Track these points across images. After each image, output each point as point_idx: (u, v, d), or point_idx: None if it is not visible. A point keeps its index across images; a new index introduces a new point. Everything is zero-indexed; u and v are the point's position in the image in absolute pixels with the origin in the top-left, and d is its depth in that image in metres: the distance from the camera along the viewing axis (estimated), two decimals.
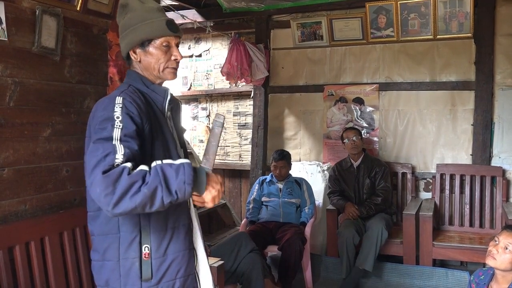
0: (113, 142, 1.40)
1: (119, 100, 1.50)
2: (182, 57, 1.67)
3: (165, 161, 1.41)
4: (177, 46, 1.66)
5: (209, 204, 1.49)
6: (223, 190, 1.52)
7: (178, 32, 1.64)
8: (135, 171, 1.36)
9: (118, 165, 1.36)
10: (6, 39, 2.25)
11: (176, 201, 1.39)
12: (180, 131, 1.80)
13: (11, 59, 2.30)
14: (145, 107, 1.55)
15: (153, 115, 1.59)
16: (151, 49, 1.61)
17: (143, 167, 1.38)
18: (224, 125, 1.57)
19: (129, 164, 1.37)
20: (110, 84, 2.92)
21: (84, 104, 2.74)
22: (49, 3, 2.44)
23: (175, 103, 1.76)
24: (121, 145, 1.40)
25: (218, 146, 1.57)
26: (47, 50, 2.45)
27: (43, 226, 2.36)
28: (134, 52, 1.63)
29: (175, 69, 1.67)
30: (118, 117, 1.45)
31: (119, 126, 1.44)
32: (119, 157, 1.37)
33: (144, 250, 1.54)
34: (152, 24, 1.59)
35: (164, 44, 1.61)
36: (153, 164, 1.40)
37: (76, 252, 2.52)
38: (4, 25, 2.22)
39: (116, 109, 1.47)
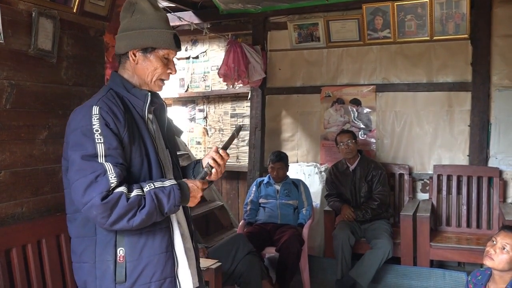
0: (100, 161, 1.48)
1: (95, 110, 1.52)
2: (176, 72, 1.73)
3: (157, 185, 1.53)
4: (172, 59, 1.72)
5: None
6: (202, 190, 1.66)
7: (180, 48, 1.71)
8: (131, 196, 1.47)
9: (114, 189, 1.46)
10: (3, 41, 2.24)
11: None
12: (170, 132, 1.83)
13: (7, 61, 2.29)
14: (122, 114, 1.57)
15: (131, 120, 1.61)
16: (152, 57, 1.65)
17: (138, 191, 1.49)
18: (236, 133, 1.85)
19: (124, 189, 1.47)
20: None
21: None
22: (46, 5, 2.44)
23: (160, 105, 1.77)
24: (109, 164, 1.48)
25: (231, 143, 1.79)
26: (44, 52, 2.44)
27: (40, 228, 2.35)
28: (134, 54, 1.65)
29: (164, 82, 1.72)
30: (97, 130, 1.50)
31: (101, 140, 1.49)
32: (113, 180, 1.46)
33: (119, 253, 1.56)
34: (162, 34, 1.63)
35: (165, 56, 1.67)
36: (146, 188, 1.51)
37: None
38: (0, 28, 2.21)
39: (94, 122, 1.51)
